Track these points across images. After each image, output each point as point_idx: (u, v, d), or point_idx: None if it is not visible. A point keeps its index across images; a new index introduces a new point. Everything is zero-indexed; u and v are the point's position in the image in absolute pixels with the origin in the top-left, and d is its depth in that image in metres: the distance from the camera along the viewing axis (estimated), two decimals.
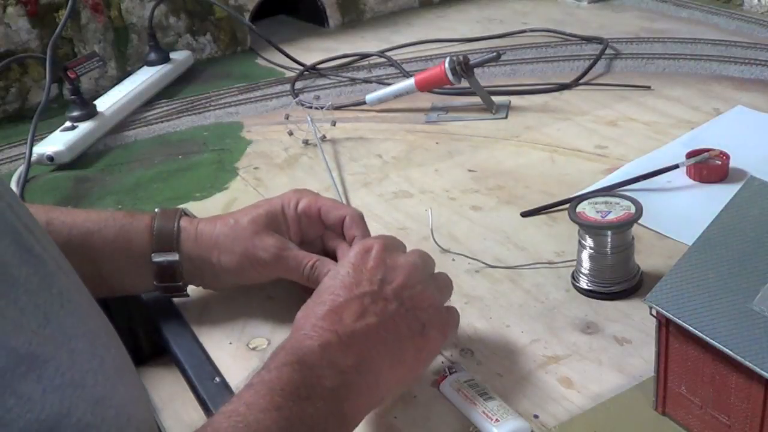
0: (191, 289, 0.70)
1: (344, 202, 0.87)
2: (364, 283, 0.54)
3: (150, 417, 0.46)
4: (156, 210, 0.68)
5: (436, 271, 0.60)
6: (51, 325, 0.38)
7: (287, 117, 1.07)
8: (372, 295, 0.54)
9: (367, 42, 1.41)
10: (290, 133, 1.04)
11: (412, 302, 0.55)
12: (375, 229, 0.80)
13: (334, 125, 1.05)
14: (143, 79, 1.24)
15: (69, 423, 0.36)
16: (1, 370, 0.34)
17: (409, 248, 0.76)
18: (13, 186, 0.96)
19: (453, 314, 0.59)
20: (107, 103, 1.15)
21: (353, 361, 0.50)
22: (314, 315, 0.52)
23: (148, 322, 0.73)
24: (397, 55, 1.31)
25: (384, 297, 0.54)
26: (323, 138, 1.03)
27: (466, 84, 1.06)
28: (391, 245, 0.59)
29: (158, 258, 0.65)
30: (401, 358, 0.53)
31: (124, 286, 0.68)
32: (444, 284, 0.60)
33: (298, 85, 1.24)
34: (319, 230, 0.69)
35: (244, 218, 0.67)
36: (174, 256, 0.65)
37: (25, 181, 0.97)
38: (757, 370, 0.44)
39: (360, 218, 0.68)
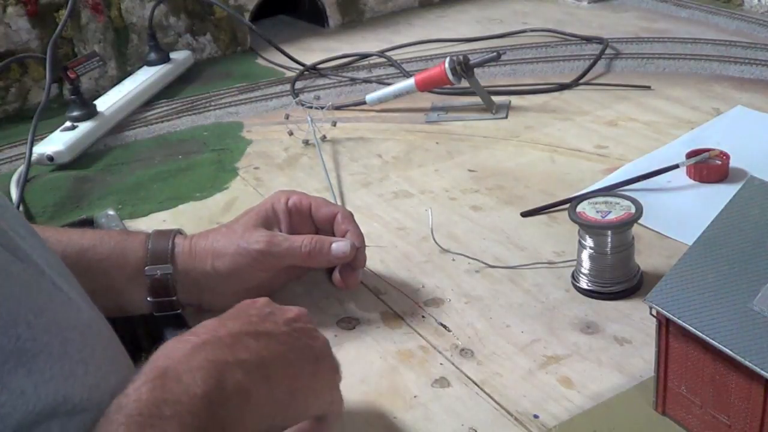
0: None
1: (339, 203, 0.87)
2: (252, 312, 0.51)
3: None
4: (153, 230, 0.68)
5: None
6: (45, 316, 0.39)
7: (287, 117, 1.07)
8: (261, 317, 0.50)
9: (367, 42, 1.41)
10: (290, 133, 1.04)
11: (304, 333, 0.51)
12: (375, 229, 0.80)
13: (335, 125, 1.05)
14: (143, 79, 1.24)
15: (65, 410, 0.37)
16: None
17: (408, 249, 0.77)
18: (13, 186, 0.96)
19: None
20: (107, 103, 1.15)
21: (235, 360, 0.44)
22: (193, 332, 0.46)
23: (149, 322, 0.73)
24: (397, 55, 1.30)
25: (274, 321, 0.50)
26: (323, 138, 1.03)
27: (466, 84, 1.06)
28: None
29: (151, 270, 0.65)
30: (296, 376, 0.48)
31: (119, 304, 0.67)
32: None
33: (298, 85, 1.24)
34: (309, 227, 0.69)
35: (235, 223, 0.68)
36: (168, 269, 0.65)
37: (25, 181, 0.97)
38: (758, 370, 0.44)
39: (351, 216, 0.69)
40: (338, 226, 0.68)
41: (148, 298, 0.66)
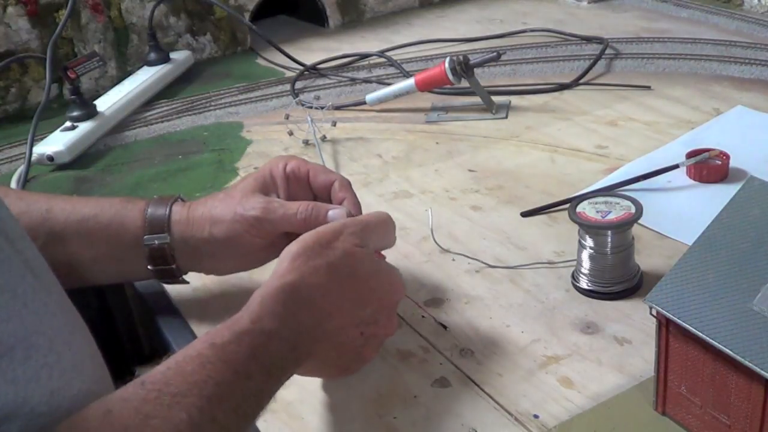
0: (191, 287, 0.70)
1: None
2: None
3: None
4: (154, 197, 0.68)
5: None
6: (14, 321, 0.40)
7: (287, 117, 1.07)
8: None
9: (367, 42, 1.41)
10: (290, 133, 1.04)
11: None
12: None
13: (335, 125, 1.05)
14: (143, 79, 1.24)
15: (23, 412, 0.39)
16: None
17: (408, 249, 0.77)
18: (13, 186, 0.96)
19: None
20: (107, 103, 1.15)
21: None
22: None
23: (148, 321, 0.73)
24: (397, 55, 1.31)
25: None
26: (323, 138, 1.03)
27: (466, 84, 1.06)
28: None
29: (149, 240, 0.65)
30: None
31: (121, 272, 0.68)
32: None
33: (298, 85, 1.24)
34: (307, 194, 0.68)
35: (233, 189, 0.68)
36: (165, 239, 0.65)
37: (25, 181, 0.97)
38: (757, 370, 0.44)
39: (349, 184, 0.68)
40: (335, 193, 0.67)
41: (149, 267, 0.66)
